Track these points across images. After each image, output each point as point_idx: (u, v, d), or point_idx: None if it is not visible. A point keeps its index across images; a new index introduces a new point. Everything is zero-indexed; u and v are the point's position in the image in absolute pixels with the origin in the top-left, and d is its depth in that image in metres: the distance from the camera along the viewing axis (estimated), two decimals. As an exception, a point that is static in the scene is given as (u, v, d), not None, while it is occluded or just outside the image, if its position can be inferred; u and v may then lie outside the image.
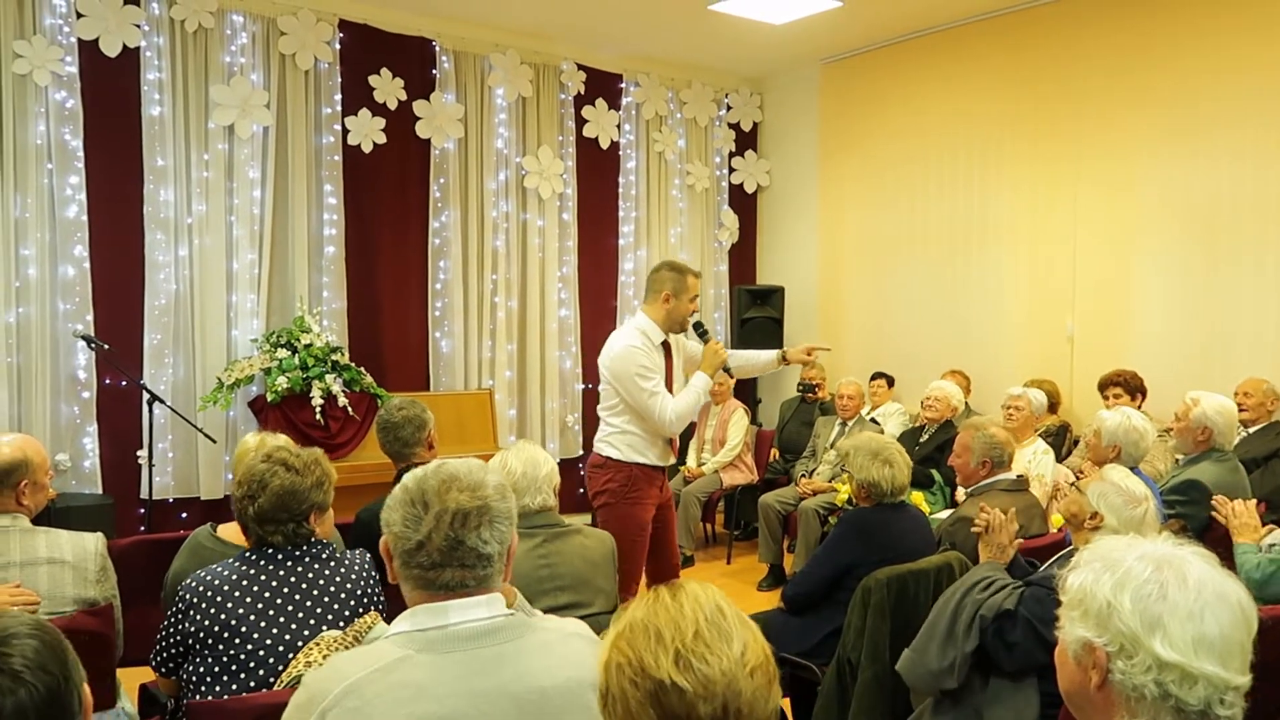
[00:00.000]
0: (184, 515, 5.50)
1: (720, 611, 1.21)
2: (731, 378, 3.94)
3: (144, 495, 5.13)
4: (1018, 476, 3.63)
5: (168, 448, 5.44)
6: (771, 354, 4.08)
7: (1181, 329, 5.36)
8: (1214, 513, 3.41)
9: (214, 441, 5.34)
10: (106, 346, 4.90)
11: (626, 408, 3.70)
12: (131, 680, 2.82)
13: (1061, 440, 5.46)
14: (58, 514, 4.64)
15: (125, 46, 5.23)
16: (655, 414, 3.62)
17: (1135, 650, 1.20)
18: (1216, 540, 3.60)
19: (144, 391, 4.95)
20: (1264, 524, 3.35)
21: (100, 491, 5.22)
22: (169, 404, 5.13)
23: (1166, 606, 1.20)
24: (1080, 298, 5.83)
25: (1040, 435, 5.04)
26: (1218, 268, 5.22)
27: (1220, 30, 5.15)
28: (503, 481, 1.62)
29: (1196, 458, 3.93)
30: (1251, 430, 4.72)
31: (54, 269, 5.14)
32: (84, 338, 4.95)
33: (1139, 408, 4.97)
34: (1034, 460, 4.63)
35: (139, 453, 5.28)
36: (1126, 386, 5.16)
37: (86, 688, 1.35)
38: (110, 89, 5.24)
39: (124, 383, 5.24)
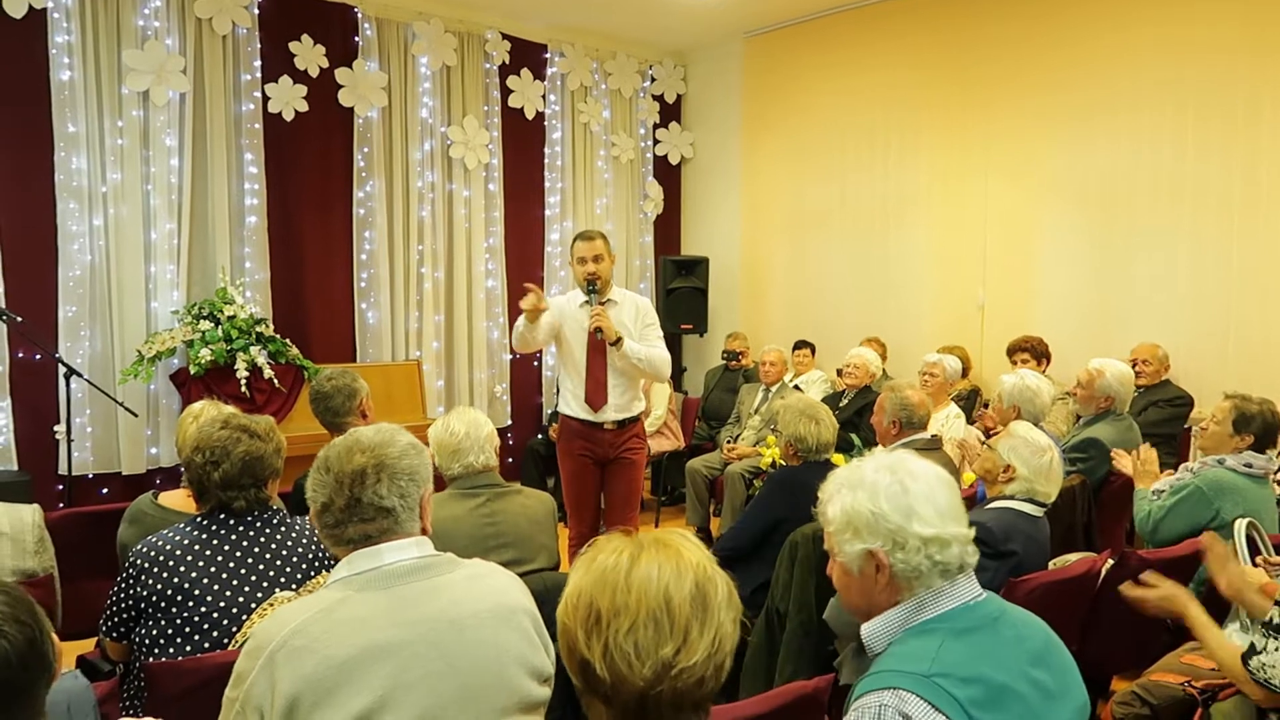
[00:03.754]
0: (104, 491, 5.39)
1: (666, 604, 1.19)
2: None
3: (62, 471, 5.01)
4: (931, 436, 3.83)
5: (86, 422, 5.31)
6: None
7: (1082, 297, 5.67)
8: (1115, 463, 3.69)
9: (135, 415, 5.24)
10: (19, 319, 4.76)
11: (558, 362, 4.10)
12: (68, 653, 2.81)
13: (972, 403, 5.73)
14: (-29, 491, 4.52)
15: (31, 7, 5.02)
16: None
17: (905, 538, 1.49)
18: (1113, 493, 3.89)
19: (60, 365, 4.83)
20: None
21: (16, 468, 5.08)
22: (86, 377, 5.01)
23: (912, 497, 1.51)
24: (990, 269, 6.10)
25: (953, 399, 5.29)
26: (1114, 240, 5.52)
27: (1122, 18, 5.42)
28: (414, 442, 1.72)
29: (1094, 418, 4.22)
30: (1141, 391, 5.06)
31: (-40, 239, 4.95)
32: (-6, 310, 4.79)
33: (1044, 372, 5.27)
34: (947, 423, 4.87)
35: (56, 428, 5.14)
36: (1033, 352, 5.45)
37: (55, 636, 1.40)
38: (16, 52, 5.03)
39: (38, 356, 5.09)
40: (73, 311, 5.28)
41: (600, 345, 3.95)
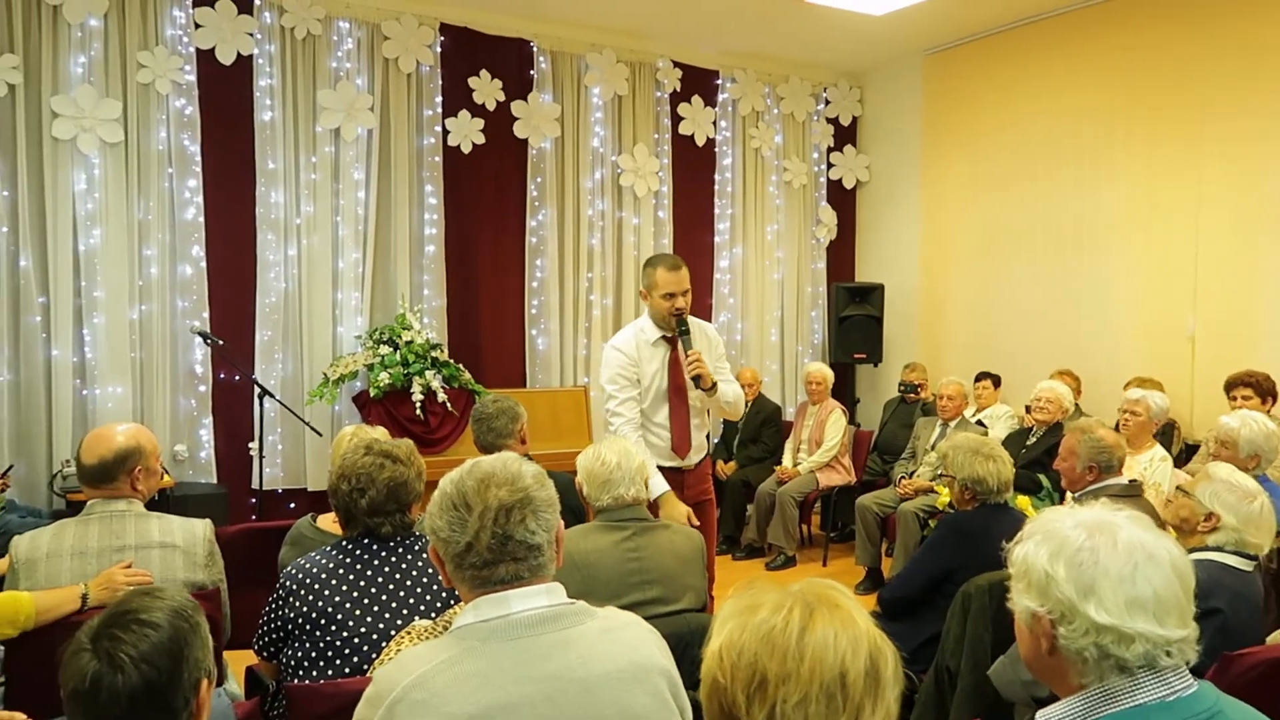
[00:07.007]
0: (292, 505, 5.70)
1: (841, 678, 1.10)
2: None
3: (255, 485, 5.32)
4: (1130, 481, 3.45)
5: (277, 440, 5.64)
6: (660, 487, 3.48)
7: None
8: None
9: (320, 435, 5.52)
10: (221, 342, 5.11)
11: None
12: (238, 662, 2.92)
13: (1168, 440, 5.17)
14: (175, 502, 4.86)
15: (239, 55, 5.45)
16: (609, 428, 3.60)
17: (1073, 616, 1.27)
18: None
19: (255, 386, 5.14)
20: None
21: (215, 481, 5.45)
22: (278, 398, 5.32)
23: (1099, 571, 1.27)
24: (1202, 294, 5.51)
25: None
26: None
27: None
28: (540, 469, 1.60)
29: (1335, 465, 3.69)
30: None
31: (173, 268, 5.38)
32: (200, 334, 5.17)
33: (1269, 412, 4.68)
34: (1150, 467, 4.39)
35: (250, 445, 5.48)
36: (1257, 388, 4.84)
37: (206, 684, 1.38)
38: (225, 96, 5.46)
39: (237, 377, 5.46)
40: (267, 336, 5.63)
41: (683, 389, 3.59)
